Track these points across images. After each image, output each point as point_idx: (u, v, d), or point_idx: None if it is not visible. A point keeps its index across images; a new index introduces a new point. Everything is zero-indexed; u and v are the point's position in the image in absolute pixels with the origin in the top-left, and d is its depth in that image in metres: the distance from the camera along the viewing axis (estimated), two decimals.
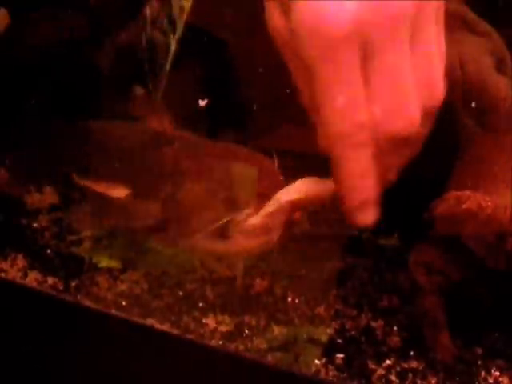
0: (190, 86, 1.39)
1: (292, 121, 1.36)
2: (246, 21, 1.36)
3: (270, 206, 0.97)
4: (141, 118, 1.27)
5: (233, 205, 1.02)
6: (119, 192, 1.11)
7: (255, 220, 0.98)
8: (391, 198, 1.23)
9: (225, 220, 1.00)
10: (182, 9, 1.30)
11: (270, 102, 1.36)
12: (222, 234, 1.00)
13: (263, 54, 1.34)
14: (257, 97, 1.38)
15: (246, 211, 0.99)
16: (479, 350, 1.02)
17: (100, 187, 1.13)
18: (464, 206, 1.02)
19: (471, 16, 1.15)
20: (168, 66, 1.31)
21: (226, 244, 1.01)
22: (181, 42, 1.31)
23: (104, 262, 1.17)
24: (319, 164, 1.30)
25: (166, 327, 1.05)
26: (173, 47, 1.30)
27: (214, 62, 1.41)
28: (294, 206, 0.96)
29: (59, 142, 1.30)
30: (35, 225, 1.26)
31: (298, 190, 0.96)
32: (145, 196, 1.10)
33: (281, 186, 0.99)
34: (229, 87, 1.41)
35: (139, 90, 1.32)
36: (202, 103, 1.27)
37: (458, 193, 1.04)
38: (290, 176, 1.25)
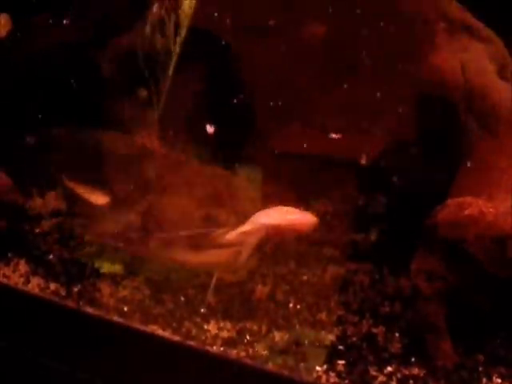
0: (193, 89, 1.38)
1: (295, 122, 1.36)
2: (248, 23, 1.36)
3: (247, 226, 1.07)
4: (133, 131, 1.28)
5: (211, 221, 1.10)
6: (99, 199, 1.14)
7: (230, 236, 1.07)
8: (394, 204, 1.23)
9: (196, 232, 1.08)
10: (184, 12, 1.30)
11: (273, 104, 1.36)
12: (197, 247, 1.09)
13: (265, 57, 1.34)
14: (258, 99, 1.38)
15: (223, 229, 1.08)
16: (481, 357, 1.02)
17: (83, 191, 1.15)
18: (466, 212, 1.02)
19: (474, 22, 1.15)
20: (171, 69, 1.31)
21: (197, 256, 1.09)
22: (184, 46, 1.31)
23: (106, 268, 1.17)
24: (319, 165, 1.31)
25: (167, 333, 1.05)
26: (176, 50, 1.30)
27: (217, 64, 1.40)
28: (270, 229, 1.07)
29: (58, 147, 1.30)
30: (37, 230, 1.26)
31: (277, 216, 1.07)
32: (125, 206, 1.15)
33: (258, 208, 1.09)
34: (232, 89, 1.41)
35: (142, 93, 1.32)
36: (210, 129, 1.29)
37: (460, 199, 1.04)
38: (291, 178, 1.25)
